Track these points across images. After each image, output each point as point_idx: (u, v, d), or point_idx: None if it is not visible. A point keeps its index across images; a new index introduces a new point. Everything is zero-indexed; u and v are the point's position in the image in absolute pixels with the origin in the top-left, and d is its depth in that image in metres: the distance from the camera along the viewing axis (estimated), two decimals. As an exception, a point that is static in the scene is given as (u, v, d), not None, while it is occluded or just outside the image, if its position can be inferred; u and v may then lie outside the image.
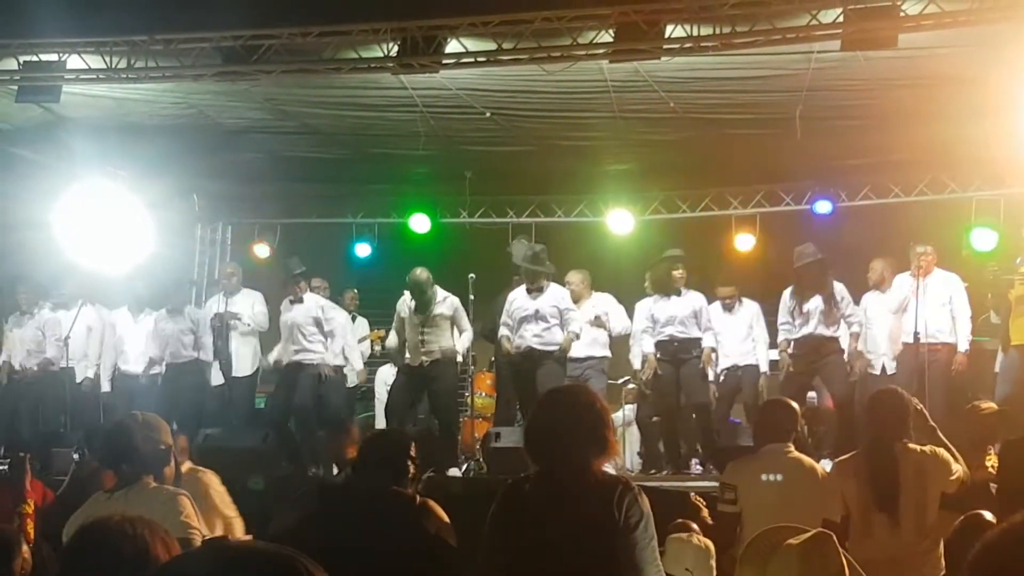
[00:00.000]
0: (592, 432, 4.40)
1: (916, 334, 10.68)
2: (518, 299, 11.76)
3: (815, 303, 11.27)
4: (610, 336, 12.35)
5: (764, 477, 6.72)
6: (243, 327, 13.09)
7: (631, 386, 13.17)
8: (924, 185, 13.48)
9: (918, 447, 6.30)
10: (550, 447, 4.46)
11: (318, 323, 12.18)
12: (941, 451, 6.31)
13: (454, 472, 11.11)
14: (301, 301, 12.25)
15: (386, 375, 13.81)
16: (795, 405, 7.27)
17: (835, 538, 3.27)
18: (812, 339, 11.28)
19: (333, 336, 12.31)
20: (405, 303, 11.74)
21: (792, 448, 6.97)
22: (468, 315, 11.92)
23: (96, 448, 7.78)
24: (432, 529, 4.72)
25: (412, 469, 5.00)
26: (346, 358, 13.03)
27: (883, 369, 11.63)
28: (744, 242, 14.10)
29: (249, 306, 13.16)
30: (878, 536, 6.11)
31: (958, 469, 6.21)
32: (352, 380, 13.62)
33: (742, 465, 7.09)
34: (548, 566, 4.27)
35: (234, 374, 13.03)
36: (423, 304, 11.57)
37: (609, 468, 11.27)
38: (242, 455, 11.09)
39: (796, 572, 3.18)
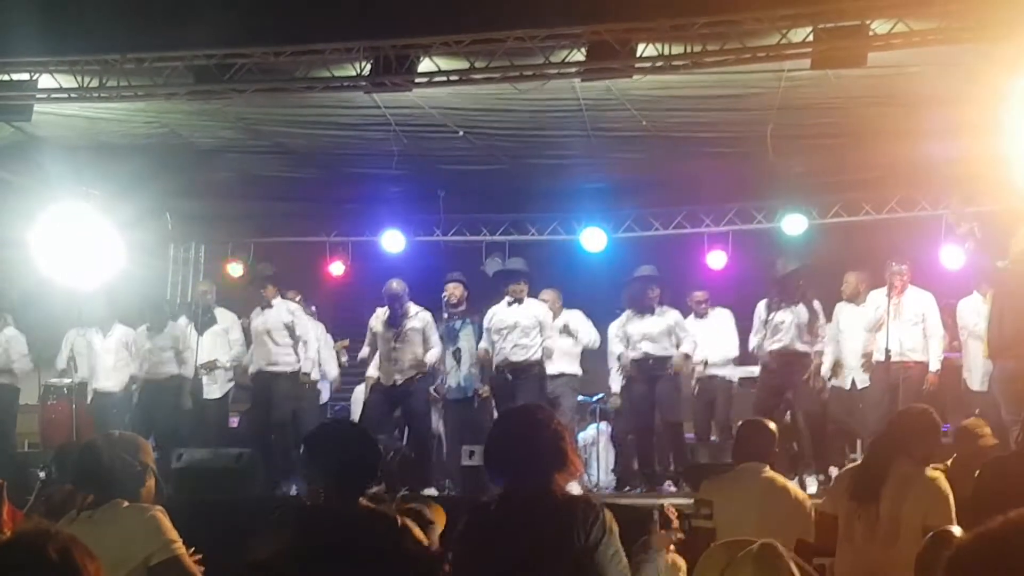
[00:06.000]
0: (550, 450, 4.37)
1: (888, 351, 10.72)
2: (498, 312, 11.83)
3: (792, 315, 11.33)
4: (577, 342, 12.44)
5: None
6: (224, 370, 13.06)
7: (606, 405, 13.20)
8: (895, 203, 13.56)
9: (923, 469, 6.22)
10: (507, 466, 4.46)
11: (290, 328, 12.12)
12: (944, 486, 6.12)
13: (430, 491, 11.09)
14: (271, 306, 12.19)
15: (360, 395, 13.78)
16: (773, 426, 7.27)
17: (779, 546, 3.30)
18: (786, 352, 11.35)
19: (306, 344, 12.24)
20: (379, 318, 11.77)
21: (768, 468, 7.01)
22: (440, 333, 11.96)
23: (68, 468, 7.73)
24: (409, 549, 4.68)
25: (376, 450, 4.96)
26: (321, 370, 13.02)
27: (853, 384, 11.69)
28: (716, 259, 14.15)
29: (223, 333, 13.10)
30: (856, 541, 6.13)
31: (950, 513, 6.00)
32: (325, 396, 13.59)
33: (718, 482, 7.09)
34: None
35: (205, 396, 12.99)
36: (396, 318, 11.60)
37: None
38: (217, 475, 11.08)
39: None
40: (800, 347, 11.38)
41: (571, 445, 4.46)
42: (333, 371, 13.71)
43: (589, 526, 4.21)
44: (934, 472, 6.19)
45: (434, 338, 11.78)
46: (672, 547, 5.47)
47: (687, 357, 12.02)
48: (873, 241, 12.92)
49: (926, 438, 6.34)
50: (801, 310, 11.39)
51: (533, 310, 11.83)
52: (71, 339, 13.03)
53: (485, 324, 11.95)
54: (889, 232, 13.24)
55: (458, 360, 12.32)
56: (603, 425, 13.48)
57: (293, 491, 11.27)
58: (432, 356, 11.79)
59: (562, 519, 4.23)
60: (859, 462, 6.66)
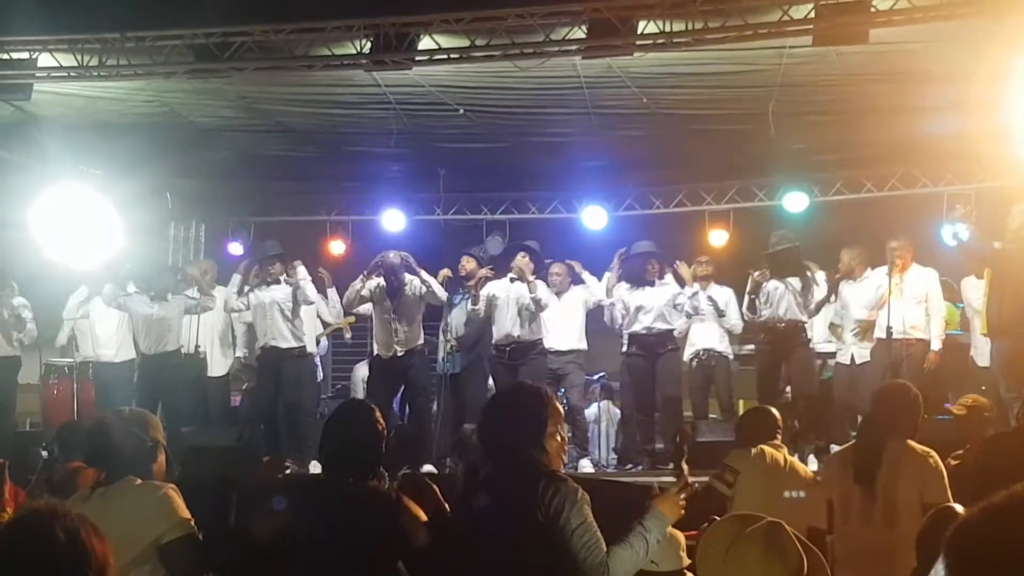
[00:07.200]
0: (532, 431, 4.45)
1: (889, 328, 10.72)
2: (498, 286, 11.82)
3: (784, 285, 11.33)
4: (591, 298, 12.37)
5: (787, 494, 6.70)
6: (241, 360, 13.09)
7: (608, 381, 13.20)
8: (896, 180, 13.55)
9: (913, 445, 6.22)
10: (492, 442, 4.57)
11: (297, 303, 12.08)
12: (936, 462, 6.15)
13: (428, 468, 11.10)
14: (278, 282, 12.15)
15: (363, 373, 13.77)
16: (776, 412, 7.37)
17: (786, 526, 3.31)
18: (780, 321, 11.36)
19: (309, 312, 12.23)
20: (379, 286, 11.71)
21: (785, 449, 7.10)
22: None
23: (71, 447, 7.74)
24: (405, 525, 4.72)
25: (383, 434, 5.01)
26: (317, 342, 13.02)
27: (852, 359, 11.71)
28: (717, 237, 14.14)
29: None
30: (853, 523, 6.14)
31: (946, 489, 6.05)
32: (320, 373, 13.58)
33: (747, 455, 7.13)
34: (486, 558, 4.37)
35: (209, 374, 12.99)
36: (393, 290, 11.57)
37: (586, 463, 11.34)
38: (218, 453, 11.08)
39: (755, 561, 3.22)
40: (793, 316, 11.39)
41: (554, 429, 4.50)
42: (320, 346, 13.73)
43: (548, 500, 4.27)
44: (925, 448, 6.20)
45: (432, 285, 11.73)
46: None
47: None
48: (874, 218, 12.92)
49: (910, 412, 6.36)
50: (794, 280, 11.40)
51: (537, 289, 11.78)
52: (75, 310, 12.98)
53: (485, 291, 11.85)
54: (890, 209, 13.23)
55: (445, 335, 12.28)
56: (604, 403, 13.48)
57: (288, 470, 11.27)
58: (440, 293, 11.74)
59: (526, 494, 4.30)
60: (850, 444, 6.65)
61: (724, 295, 12.39)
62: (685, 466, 4.72)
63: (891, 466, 6.07)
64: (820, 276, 11.67)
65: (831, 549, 6.18)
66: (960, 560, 1.80)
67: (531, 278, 11.64)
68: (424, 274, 11.64)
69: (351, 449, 4.91)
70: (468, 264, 12.37)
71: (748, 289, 11.65)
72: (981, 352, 11.34)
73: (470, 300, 11.93)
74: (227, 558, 4.82)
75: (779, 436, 7.27)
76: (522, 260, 11.84)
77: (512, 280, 11.82)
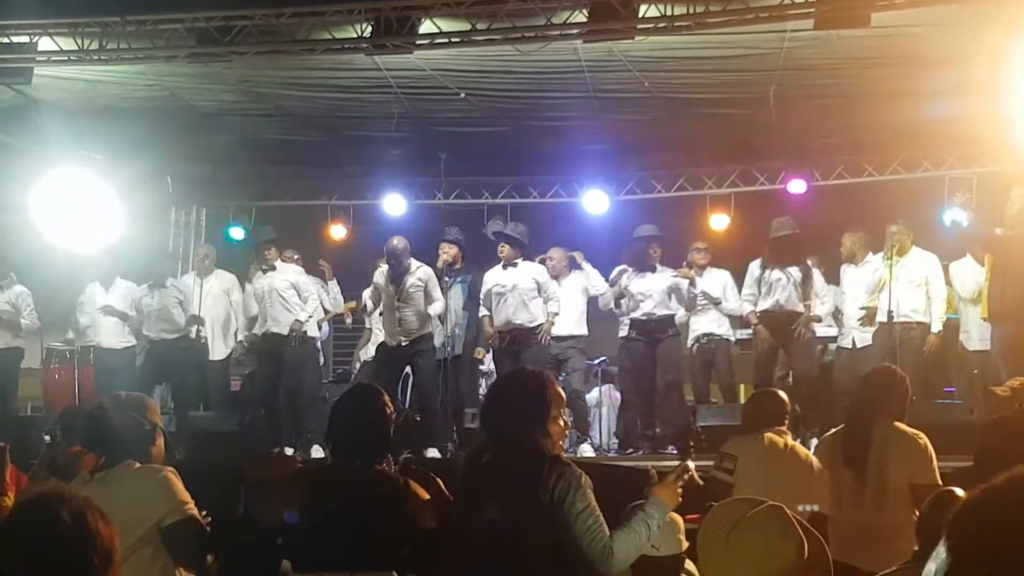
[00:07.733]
0: (535, 417, 4.48)
1: (890, 312, 10.72)
2: (494, 276, 11.80)
3: (786, 274, 11.31)
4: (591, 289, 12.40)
5: (800, 507, 6.70)
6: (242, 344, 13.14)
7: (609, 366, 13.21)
8: (897, 164, 13.54)
9: (902, 428, 6.24)
10: (495, 428, 4.59)
11: (296, 289, 12.08)
12: (925, 444, 6.15)
13: (432, 453, 11.11)
14: (274, 268, 12.15)
15: (363, 355, 13.76)
16: (784, 396, 7.33)
17: (787, 509, 3.32)
18: (780, 312, 11.33)
19: (307, 304, 12.23)
20: (382, 273, 11.72)
21: (789, 435, 7.08)
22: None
23: (74, 431, 7.75)
24: (412, 509, 4.73)
25: (390, 419, 5.03)
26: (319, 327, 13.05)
27: (853, 343, 11.72)
28: (719, 222, 14.12)
29: (224, 294, 13.10)
30: (844, 506, 6.16)
31: (935, 470, 6.10)
32: (321, 357, 13.59)
33: (745, 441, 7.12)
34: (489, 542, 4.37)
35: (209, 358, 12.99)
36: (397, 275, 11.57)
37: (586, 448, 11.35)
38: (219, 438, 11.10)
39: (756, 545, 3.22)
40: (794, 307, 11.35)
41: (555, 414, 4.53)
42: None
43: (553, 484, 4.29)
44: (914, 430, 6.22)
45: (436, 292, 11.67)
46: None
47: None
48: (876, 203, 12.91)
49: (897, 394, 6.38)
50: (795, 270, 11.37)
51: (530, 272, 11.77)
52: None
53: (483, 289, 11.90)
54: (892, 193, 13.22)
55: (443, 320, 12.28)
56: (605, 387, 13.48)
57: (288, 452, 11.28)
58: (435, 309, 11.71)
59: (530, 478, 4.33)
60: (840, 429, 6.65)
61: (721, 280, 12.40)
62: (694, 472, 4.73)
63: (880, 449, 6.09)
64: (810, 266, 11.65)
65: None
66: (961, 543, 1.80)
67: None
68: (439, 304, 11.67)
69: (359, 434, 4.93)
70: (450, 250, 12.33)
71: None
72: (972, 336, 11.38)
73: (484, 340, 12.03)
74: (236, 543, 4.83)
75: (786, 421, 7.23)
76: (501, 249, 11.88)
77: (504, 267, 11.81)
